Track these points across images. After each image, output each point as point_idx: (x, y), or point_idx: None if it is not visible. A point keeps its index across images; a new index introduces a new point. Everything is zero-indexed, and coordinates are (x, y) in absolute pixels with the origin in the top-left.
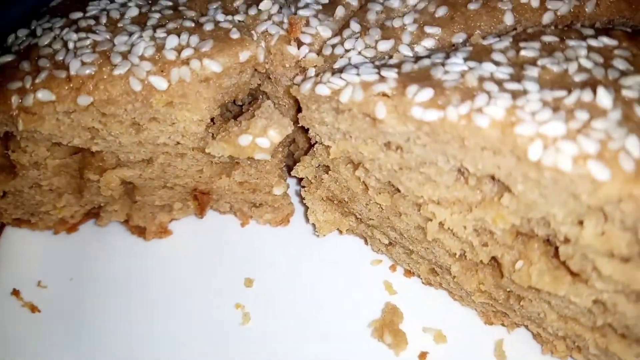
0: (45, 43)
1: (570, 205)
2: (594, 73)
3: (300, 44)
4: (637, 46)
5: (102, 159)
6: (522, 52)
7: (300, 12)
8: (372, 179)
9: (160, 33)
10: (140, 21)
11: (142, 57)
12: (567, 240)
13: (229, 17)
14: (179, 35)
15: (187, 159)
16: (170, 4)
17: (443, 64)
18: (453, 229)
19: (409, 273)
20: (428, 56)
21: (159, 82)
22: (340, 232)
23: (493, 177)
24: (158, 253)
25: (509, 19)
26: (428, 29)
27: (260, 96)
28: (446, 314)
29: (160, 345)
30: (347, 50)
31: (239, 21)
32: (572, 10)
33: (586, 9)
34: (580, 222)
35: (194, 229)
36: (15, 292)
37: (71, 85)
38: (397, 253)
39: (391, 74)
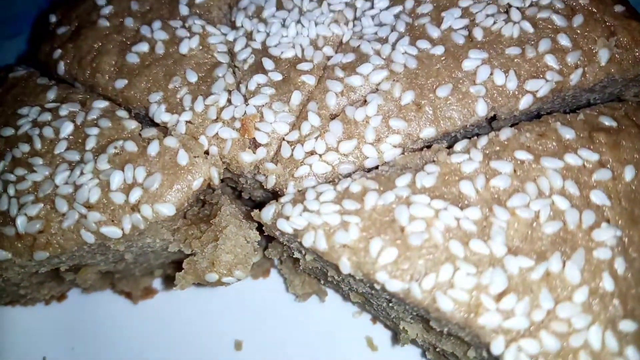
0: None
1: None
2: (567, 220)
3: (256, 144)
4: (619, 158)
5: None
6: (493, 182)
7: (252, 102)
8: (345, 286)
9: (102, 163)
10: (77, 141)
11: (88, 206)
12: None
13: (174, 118)
14: (123, 169)
15: (157, 251)
16: (105, 104)
17: (408, 202)
18: (425, 340)
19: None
20: (393, 180)
21: (113, 232)
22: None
23: None
24: (147, 313)
25: (481, 109)
26: (393, 122)
27: (220, 198)
28: None
29: None
30: (307, 153)
31: (186, 122)
32: (554, 87)
33: (571, 82)
34: None
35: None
36: None
37: (23, 242)
38: (376, 311)
39: (353, 219)
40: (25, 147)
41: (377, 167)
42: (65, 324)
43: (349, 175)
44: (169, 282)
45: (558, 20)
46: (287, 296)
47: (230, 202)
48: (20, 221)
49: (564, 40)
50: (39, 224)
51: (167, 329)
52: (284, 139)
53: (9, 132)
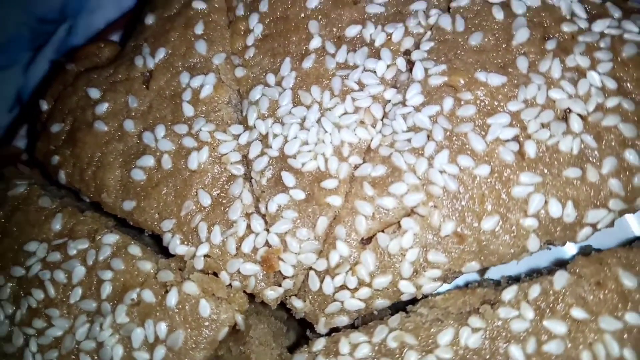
0: (4, 334)
1: None
2: None
3: (281, 277)
4: None
5: None
6: (545, 348)
7: (274, 229)
8: None
9: (120, 316)
10: (91, 287)
11: None
12: None
13: (191, 251)
14: (142, 324)
15: None
16: (115, 239)
17: None
18: None
19: None
20: (434, 335)
21: None
22: None
23: None
24: None
25: (533, 245)
26: (432, 257)
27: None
28: None
29: None
30: (337, 288)
31: (204, 256)
32: (616, 217)
33: (636, 208)
34: None
35: None
36: None
37: None
38: None
39: None
40: (39, 295)
41: (415, 299)
42: None
43: (384, 310)
44: None
45: (626, 130)
46: None
47: (259, 319)
48: None
49: (631, 157)
50: None
51: None
52: (311, 268)
53: (19, 272)
